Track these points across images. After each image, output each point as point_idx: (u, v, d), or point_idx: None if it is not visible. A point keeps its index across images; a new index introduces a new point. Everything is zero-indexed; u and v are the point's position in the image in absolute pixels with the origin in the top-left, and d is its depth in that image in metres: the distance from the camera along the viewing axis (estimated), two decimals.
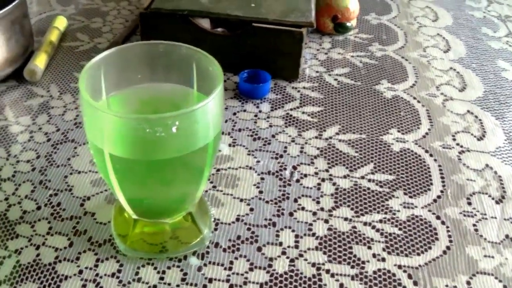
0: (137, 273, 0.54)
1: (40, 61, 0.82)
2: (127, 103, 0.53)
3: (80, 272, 0.54)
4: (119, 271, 0.55)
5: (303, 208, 0.62)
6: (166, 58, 0.52)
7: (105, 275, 0.54)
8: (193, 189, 0.53)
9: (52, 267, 0.55)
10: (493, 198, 0.65)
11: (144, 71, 0.53)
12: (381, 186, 0.65)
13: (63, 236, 0.58)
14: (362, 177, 0.66)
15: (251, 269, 0.55)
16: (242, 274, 0.55)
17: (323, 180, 0.66)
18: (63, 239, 0.58)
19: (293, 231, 0.59)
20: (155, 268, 0.55)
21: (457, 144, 0.73)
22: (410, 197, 0.64)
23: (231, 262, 0.56)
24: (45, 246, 0.57)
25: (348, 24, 0.95)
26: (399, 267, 0.56)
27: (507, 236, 0.61)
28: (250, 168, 0.67)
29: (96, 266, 0.55)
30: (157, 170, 0.49)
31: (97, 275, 0.54)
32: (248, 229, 0.59)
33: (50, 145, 0.69)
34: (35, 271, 0.54)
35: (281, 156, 0.69)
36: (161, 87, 0.54)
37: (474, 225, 0.62)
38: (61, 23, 0.93)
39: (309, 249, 0.58)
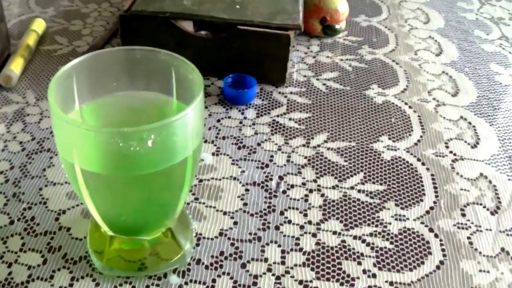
0: None
1: (16, 66, 0.79)
2: (101, 113, 0.50)
3: None
4: None
5: (289, 221, 0.59)
6: (144, 65, 0.49)
7: None
8: (172, 205, 0.50)
9: (24, 287, 0.52)
10: (488, 209, 0.63)
11: (120, 79, 0.50)
12: (371, 197, 0.63)
13: (37, 253, 0.55)
14: (352, 188, 0.64)
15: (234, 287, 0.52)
16: None
17: (311, 191, 0.63)
18: (36, 256, 0.55)
19: (279, 246, 0.57)
20: (133, 287, 0.52)
21: (450, 152, 0.71)
22: (402, 208, 0.62)
23: (214, 280, 0.53)
24: (18, 263, 0.54)
25: (337, 26, 0.93)
26: (391, 283, 0.54)
27: (502, 249, 0.58)
28: (234, 178, 0.64)
29: (71, 285, 0.52)
30: (132, 186, 0.46)
31: None
32: (232, 244, 0.57)
33: (24, 154, 0.66)
34: None
35: (267, 165, 0.66)
36: (139, 96, 0.51)
37: (468, 237, 0.59)
38: (39, 25, 0.90)
39: (296, 265, 0.55)
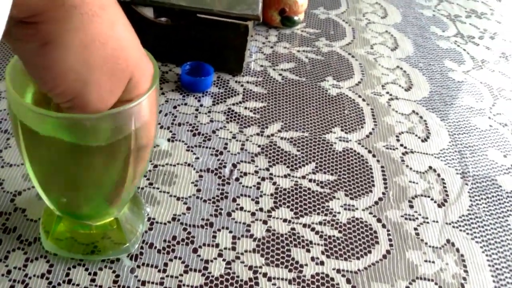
0: (67, 274, 0.52)
1: None
2: None
3: (9, 272, 0.52)
4: (48, 271, 0.52)
5: (241, 208, 0.60)
6: None
7: (34, 275, 0.52)
8: (111, 191, 0.49)
9: None
10: (435, 202, 0.65)
11: None
12: (322, 187, 0.64)
13: None
14: (303, 177, 0.65)
15: (186, 272, 0.53)
16: (176, 277, 0.53)
17: (263, 179, 0.64)
18: None
19: (230, 232, 0.58)
20: (86, 270, 0.52)
21: (401, 145, 0.72)
22: (351, 198, 0.63)
23: (166, 264, 0.54)
24: None
25: (296, 17, 0.94)
26: (338, 271, 0.55)
27: (448, 240, 0.60)
28: (189, 165, 0.65)
29: (25, 266, 0.52)
30: (70, 155, 0.45)
31: (26, 275, 0.51)
32: (184, 229, 0.57)
33: None
34: None
35: (221, 153, 0.67)
36: None
37: (415, 229, 0.61)
38: None
39: (246, 251, 0.56)
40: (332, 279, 0.54)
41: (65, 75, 0.36)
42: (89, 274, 0.52)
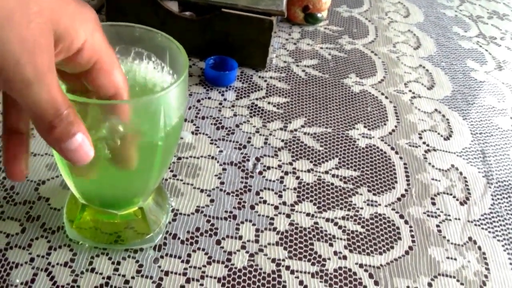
0: (90, 263, 0.52)
1: None
2: None
3: (32, 260, 0.52)
4: (72, 260, 0.52)
5: (265, 202, 0.60)
6: (141, 44, 0.49)
7: (57, 264, 0.52)
8: (141, 183, 0.51)
9: (2, 254, 0.52)
10: (457, 199, 0.65)
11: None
12: (345, 182, 0.64)
13: (15, 221, 0.55)
14: (326, 172, 0.65)
15: (209, 263, 0.54)
16: (199, 268, 0.53)
17: (286, 173, 0.64)
18: (15, 224, 0.55)
19: (253, 224, 0.58)
20: (110, 259, 0.53)
21: (424, 143, 0.72)
22: (374, 194, 0.63)
23: (189, 255, 0.54)
24: None
25: (319, 15, 0.94)
26: (360, 266, 0.55)
27: (470, 238, 0.60)
28: (212, 157, 0.65)
29: (49, 254, 0.53)
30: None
31: (49, 263, 0.52)
32: (208, 221, 0.58)
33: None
34: None
35: (245, 146, 0.67)
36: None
37: (437, 225, 0.61)
38: None
39: (269, 244, 0.56)
40: (355, 273, 0.54)
41: None
42: (113, 263, 0.52)
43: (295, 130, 0.71)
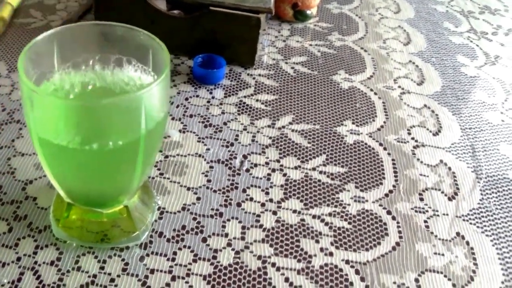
0: (77, 262, 0.52)
1: None
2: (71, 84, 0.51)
3: (18, 259, 0.52)
4: (58, 259, 0.52)
5: (251, 199, 0.60)
6: (123, 42, 0.49)
7: (43, 263, 0.52)
8: (124, 182, 0.51)
9: None
10: (445, 195, 0.65)
11: (96, 54, 0.51)
12: (332, 179, 0.64)
13: (3, 221, 0.55)
14: (314, 169, 0.65)
15: (194, 261, 0.54)
16: (185, 266, 0.53)
17: (273, 170, 0.64)
18: (2, 224, 0.55)
19: (240, 222, 0.58)
20: (96, 257, 0.53)
21: (412, 139, 0.72)
22: (362, 190, 0.63)
23: (175, 253, 0.54)
24: None
25: (308, 12, 0.94)
26: (347, 262, 0.55)
27: (458, 233, 0.60)
28: (200, 155, 0.65)
29: (35, 253, 0.53)
30: (84, 159, 0.46)
31: (35, 262, 0.52)
32: (194, 219, 0.58)
33: None
34: None
35: (232, 144, 0.67)
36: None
37: (425, 221, 0.61)
38: None
39: (255, 241, 0.56)
40: (341, 270, 0.54)
41: None
42: (99, 261, 0.53)
43: (283, 127, 0.71)
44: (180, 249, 0.54)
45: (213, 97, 0.75)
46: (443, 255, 0.58)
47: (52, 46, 0.48)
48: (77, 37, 0.50)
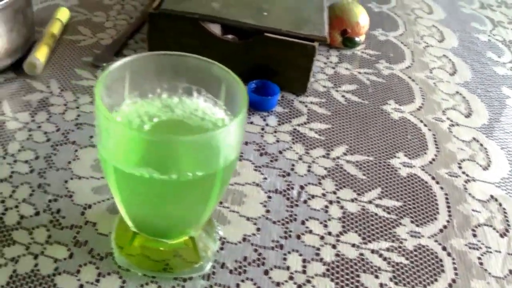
0: None
1: (41, 54, 0.79)
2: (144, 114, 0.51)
3: (81, 286, 0.52)
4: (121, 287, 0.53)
5: (310, 231, 0.61)
6: (196, 73, 0.50)
7: None
8: (196, 215, 0.51)
9: (51, 279, 0.52)
10: (497, 231, 0.65)
11: (168, 84, 0.51)
12: (388, 213, 0.64)
13: (63, 246, 0.55)
14: (370, 202, 0.65)
15: None
16: None
17: (330, 202, 0.65)
18: (62, 249, 0.55)
19: (300, 255, 0.58)
20: (159, 287, 0.53)
21: (463, 173, 0.72)
22: (417, 225, 0.63)
23: (238, 285, 0.54)
24: (44, 255, 0.54)
25: (357, 39, 0.94)
26: None
27: (511, 271, 0.60)
28: (257, 185, 0.65)
29: (98, 281, 0.53)
30: (158, 189, 0.47)
31: None
32: (255, 250, 0.58)
33: (49, 145, 0.67)
34: (32, 282, 0.52)
35: (288, 174, 0.68)
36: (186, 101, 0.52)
37: (479, 258, 0.61)
38: (63, 14, 0.90)
39: (316, 275, 0.56)
40: None
41: None
42: None
43: (338, 157, 0.71)
44: (243, 281, 0.55)
45: (267, 124, 0.75)
46: None
47: (123, 74, 0.49)
48: (148, 67, 0.50)
